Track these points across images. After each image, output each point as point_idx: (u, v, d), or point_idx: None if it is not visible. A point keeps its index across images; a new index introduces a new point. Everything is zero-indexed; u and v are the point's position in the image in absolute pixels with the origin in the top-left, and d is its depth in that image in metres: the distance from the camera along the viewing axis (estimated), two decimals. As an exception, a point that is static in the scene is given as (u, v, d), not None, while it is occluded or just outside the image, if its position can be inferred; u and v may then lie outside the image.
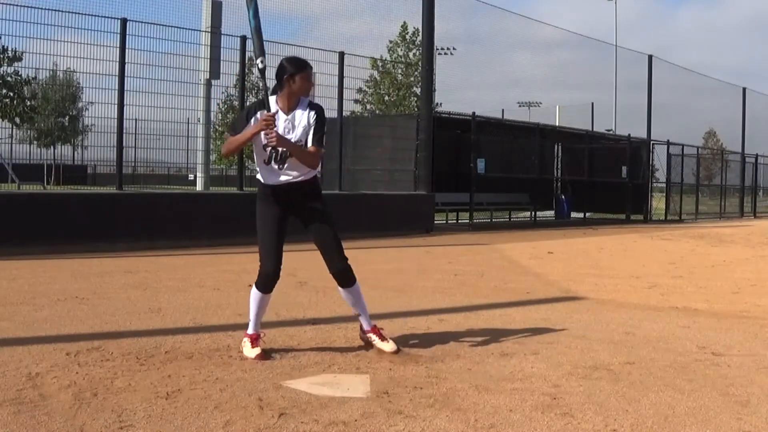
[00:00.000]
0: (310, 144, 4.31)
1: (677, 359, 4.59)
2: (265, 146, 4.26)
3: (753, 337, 5.36)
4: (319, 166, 4.44)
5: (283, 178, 4.37)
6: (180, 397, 3.57)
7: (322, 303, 6.30)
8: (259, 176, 4.48)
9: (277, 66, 4.37)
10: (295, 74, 4.30)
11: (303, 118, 4.33)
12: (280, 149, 4.30)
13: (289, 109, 4.34)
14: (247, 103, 15.35)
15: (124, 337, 4.83)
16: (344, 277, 4.48)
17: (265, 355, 4.34)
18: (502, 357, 4.52)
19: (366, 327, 4.61)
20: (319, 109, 4.41)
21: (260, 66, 4.33)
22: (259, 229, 4.45)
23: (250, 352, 4.34)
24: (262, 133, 4.17)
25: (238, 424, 3.20)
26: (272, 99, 4.36)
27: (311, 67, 4.42)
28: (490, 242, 13.88)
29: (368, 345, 4.60)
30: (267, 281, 4.42)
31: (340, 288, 4.55)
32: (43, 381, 3.77)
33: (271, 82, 4.42)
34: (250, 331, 4.44)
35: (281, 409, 3.42)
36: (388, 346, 4.51)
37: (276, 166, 4.36)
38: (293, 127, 4.32)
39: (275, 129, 4.18)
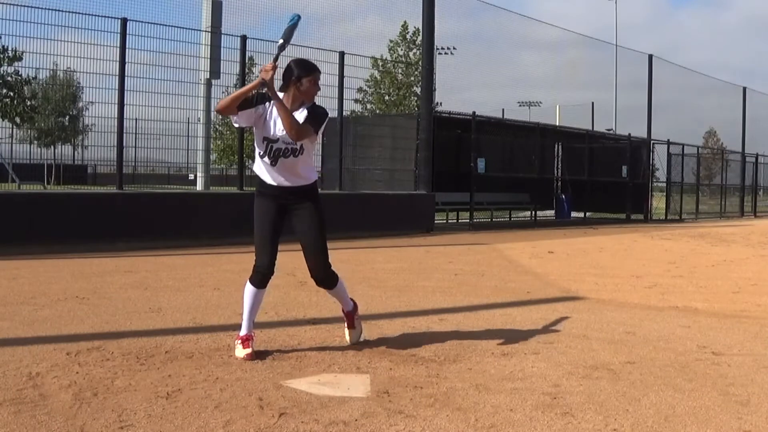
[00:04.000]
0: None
1: (677, 359, 4.59)
2: (261, 86, 4.15)
3: (753, 337, 5.36)
4: (301, 136, 4.28)
5: (281, 182, 4.37)
6: (180, 396, 3.57)
7: (322, 303, 6.30)
8: (256, 168, 4.47)
9: (284, 66, 4.35)
10: (302, 77, 4.29)
11: (300, 118, 4.31)
12: (273, 146, 4.30)
13: (291, 110, 4.33)
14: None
15: (124, 336, 4.84)
16: (324, 283, 4.58)
17: (257, 355, 4.32)
18: (502, 356, 4.53)
19: (345, 309, 4.78)
20: (319, 107, 4.40)
21: (279, 42, 4.27)
22: (255, 224, 4.47)
23: (241, 352, 4.33)
24: (262, 71, 4.13)
25: (238, 424, 3.20)
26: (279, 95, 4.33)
27: (320, 72, 4.41)
28: (491, 242, 13.88)
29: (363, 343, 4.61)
30: (261, 276, 4.42)
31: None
32: (44, 381, 3.77)
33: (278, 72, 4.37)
34: (243, 332, 4.40)
35: (281, 408, 3.42)
36: (348, 337, 4.76)
37: (269, 162, 4.35)
38: None
39: (273, 72, 4.13)
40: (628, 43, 78.32)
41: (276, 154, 4.33)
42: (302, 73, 4.29)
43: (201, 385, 3.77)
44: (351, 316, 4.75)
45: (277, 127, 4.28)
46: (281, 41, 4.29)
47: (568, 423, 3.33)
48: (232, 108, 4.22)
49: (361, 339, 4.79)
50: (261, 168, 4.43)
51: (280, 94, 4.33)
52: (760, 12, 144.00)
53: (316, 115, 4.34)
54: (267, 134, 4.33)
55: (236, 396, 3.60)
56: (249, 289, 4.47)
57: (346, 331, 4.79)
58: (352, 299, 4.80)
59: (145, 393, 3.60)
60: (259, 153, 4.39)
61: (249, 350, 4.32)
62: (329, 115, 4.57)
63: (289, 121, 4.18)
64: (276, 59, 4.27)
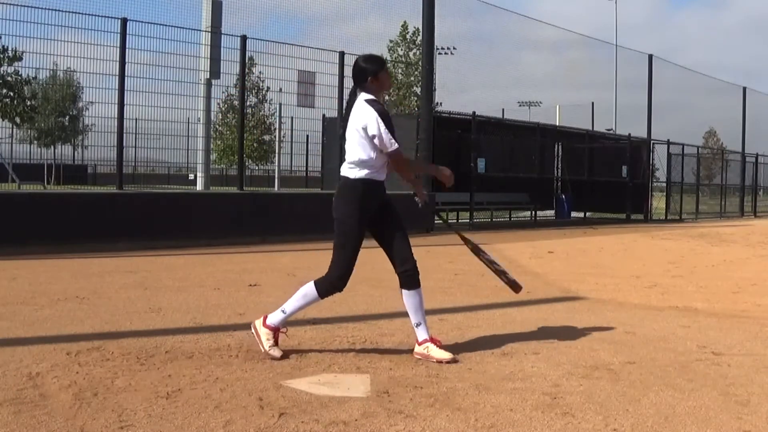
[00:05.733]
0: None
1: (677, 359, 4.59)
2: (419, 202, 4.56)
3: (753, 337, 5.36)
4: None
5: (382, 176, 4.41)
6: (180, 396, 3.57)
7: (323, 302, 6.28)
8: (363, 173, 4.32)
9: (353, 68, 4.37)
10: (378, 71, 4.33)
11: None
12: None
13: None
14: (248, 103, 15.37)
15: (124, 336, 4.84)
16: (414, 276, 4.42)
17: (282, 354, 4.34)
18: (502, 356, 4.53)
19: (420, 338, 4.43)
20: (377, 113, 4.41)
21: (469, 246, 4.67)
22: (348, 234, 4.36)
23: (272, 349, 4.34)
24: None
25: (238, 424, 3.20)
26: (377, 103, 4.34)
27: (386, 61, 4.45)
28: (491, 242, 13.86)
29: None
30: (333, 290, 4.40)
31: (403, 290, 4.45)
32: (44, 381, 3.77)
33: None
34: (279, 325, 4.39)
35: (281, 408, 3.42)
36: (444, 355, 4.34)
37: (381, 163, 4.38)
38: None
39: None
40: (628, 43, 78.37)
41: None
42: (378, 68, 4.34)
43: (201, 385, 3.77)
44: (436, 340, 4.43)
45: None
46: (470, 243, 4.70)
47: (568, 423, 3.33)
48: (404, 171, 4.52)
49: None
50: (376, 171, 4.37)
51: (370, 97, 4.32)
52: (759, 12, 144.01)
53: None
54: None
55: (236, 396, 3.60)
56: (312, 295, 4.40)
57: (439, 354, 4.35)
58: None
59: (145, 393, 3.60)
60: (376, 162, 4.34)
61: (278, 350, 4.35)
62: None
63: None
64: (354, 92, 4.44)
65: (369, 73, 4.32)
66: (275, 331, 4.37)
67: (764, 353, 4.83)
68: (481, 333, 5.24)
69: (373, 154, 4.26)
